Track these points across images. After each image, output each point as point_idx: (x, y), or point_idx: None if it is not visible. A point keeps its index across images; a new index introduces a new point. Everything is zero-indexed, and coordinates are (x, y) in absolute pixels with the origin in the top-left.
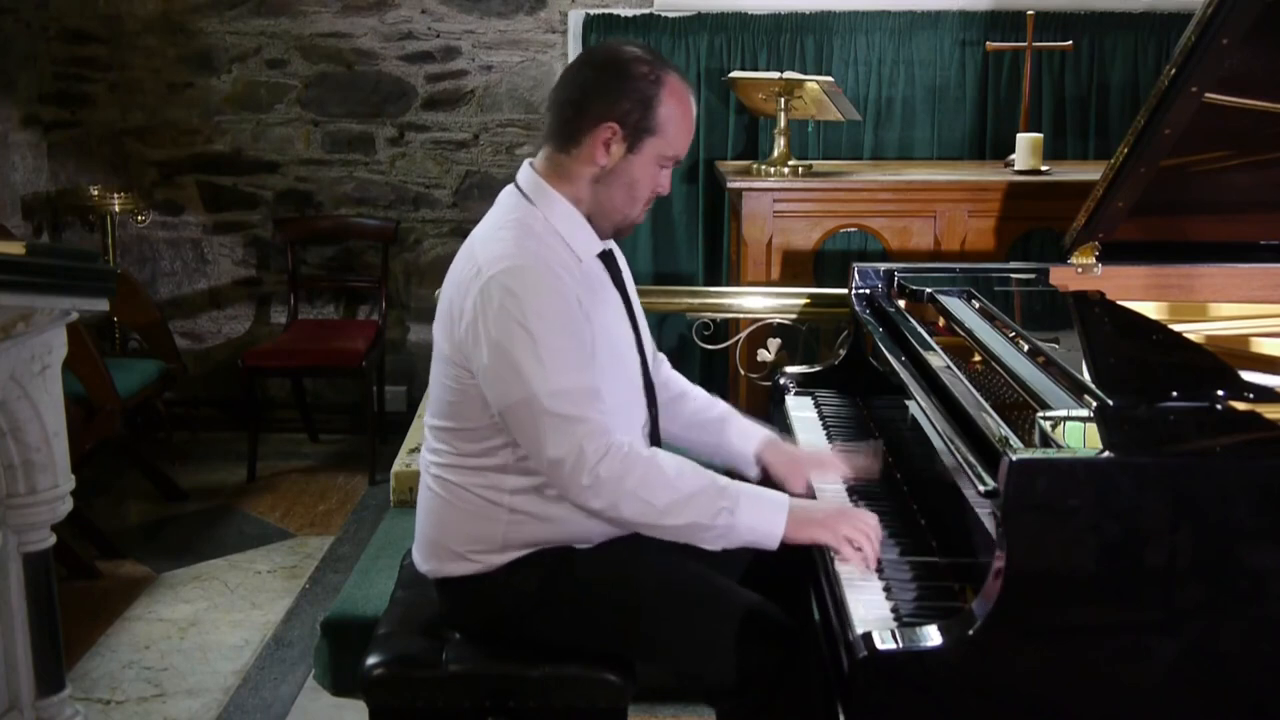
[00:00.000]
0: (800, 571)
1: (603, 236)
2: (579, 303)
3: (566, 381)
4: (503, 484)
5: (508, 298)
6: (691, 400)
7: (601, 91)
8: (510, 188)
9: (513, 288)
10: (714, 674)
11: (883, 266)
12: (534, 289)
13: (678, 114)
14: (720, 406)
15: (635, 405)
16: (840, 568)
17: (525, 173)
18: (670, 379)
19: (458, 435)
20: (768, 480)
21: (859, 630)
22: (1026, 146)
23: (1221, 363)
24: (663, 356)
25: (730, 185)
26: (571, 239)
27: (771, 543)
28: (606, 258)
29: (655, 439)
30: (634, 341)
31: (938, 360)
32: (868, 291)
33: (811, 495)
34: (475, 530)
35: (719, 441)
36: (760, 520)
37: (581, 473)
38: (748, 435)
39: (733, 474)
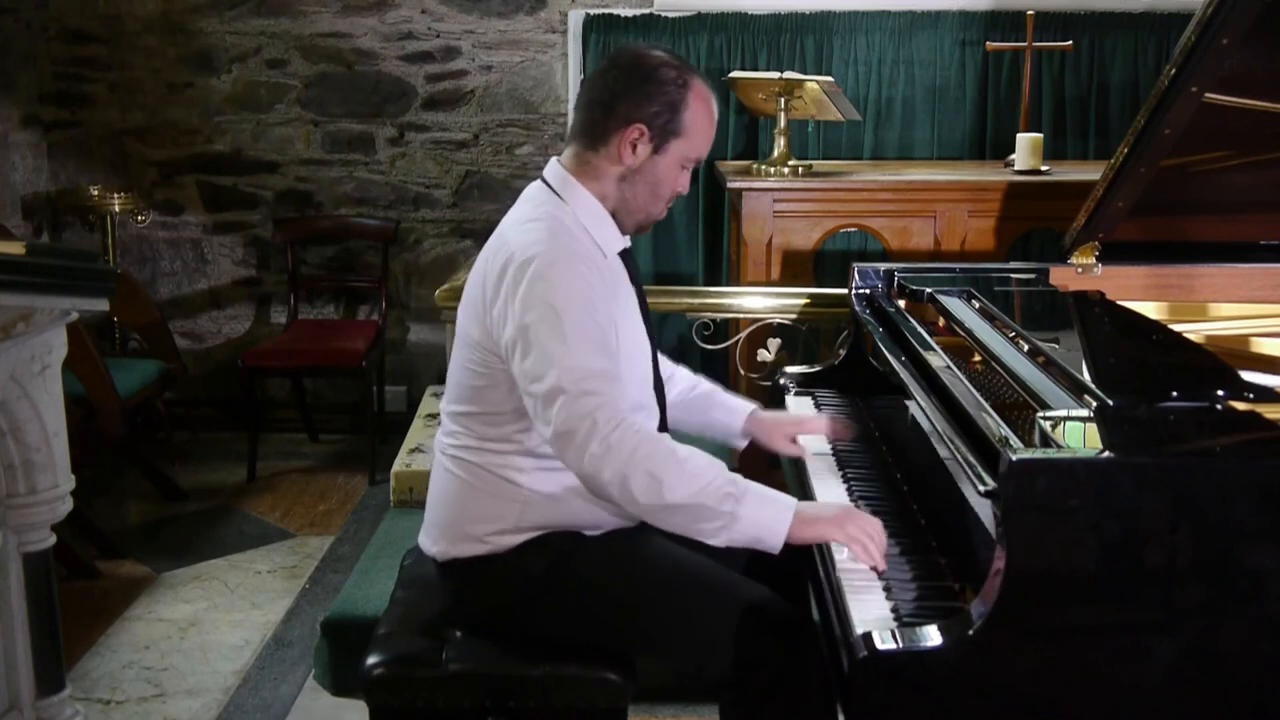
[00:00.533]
0: (801, 568)
1: (625, 232)
2: (603, 299)
3: (587, 361)
4: (522, 465)
5: (537, 280)
6: (679, 380)
7: (630, 94)
8: (538, 183)
9: (543, 271)
10: (716, 664)
11: (883, 266)
12: (564, 274)
13: (702, 118)
14: (704, 385)
15: (647, 404)
16: (843, 567)
17: (553, 169)
18: (660, 361)
19: (480, 420)
20: (754, 454)
21: (859, 630)
22: (1026, 146)
23: (1221, 363)
24: None
25: (730, 185)
26: (598, 235)
27: (775, 541)
28: (625, 256)
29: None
30: (647, 341)
31: (938, 360)
32: (868, 291)
33: (795, 488)
34: (491, 510)
35: (706, 419)
36: (766, 516)
37: (593, 440)
38: (732, 409)
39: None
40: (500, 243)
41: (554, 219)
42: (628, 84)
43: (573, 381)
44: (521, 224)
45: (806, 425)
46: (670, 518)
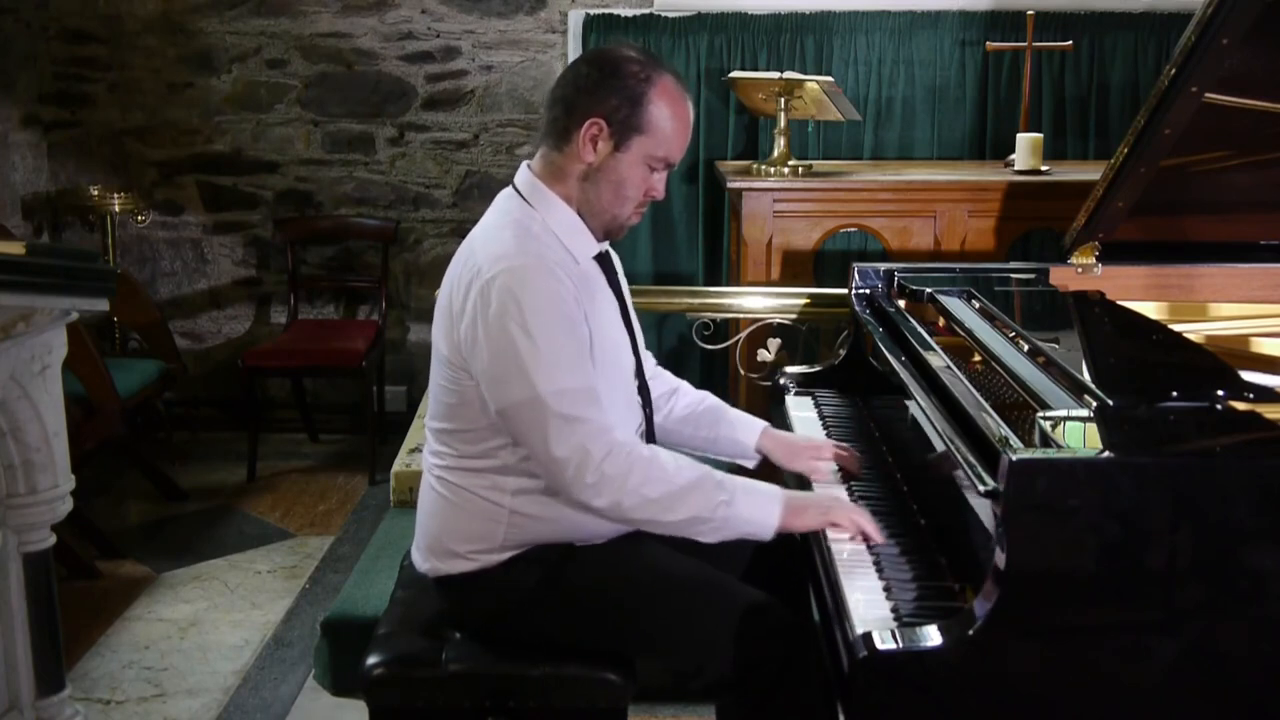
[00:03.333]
0: (801, 570)
1: (597, 237)
2: (577, 304)
3: (567, 381)
4: (504, 485)
5: (508, 299)
6: (684, 396)
7: (591, 88)
8: (508, 190)
9: (512, 288)
10: (714, 668)
11: (883, 266)
12: (533, 289)
13: (669, 115)
14: (710, 400)
15: (631, 407)
16: (833, 544)
17: (523, 174)
18: (660, 375)
19: (458, 437)
20: (765, 467)
21: (859, 630)
22: (1026, 146)
23: (1221, 363)
24: (649, 354)
25: (730, 185)
26: (569, 241)
27: (766, 533)
28: (603, 260)
29: (650, 441)
30: (629, 344)
31: (938, 360)
32: (868, 291)
33: (806, 484)
34: (476, 530)
35: (715, 435)
36: (756, 511)
37: (586, 471)
38: (742, 426)
39: (735, 469)
40: (468, 254)
41: (521, 226)
42: (590, 79)
43: (558, 406)
44: (489, 233)
45: (825, 453)
46: (665, 529)
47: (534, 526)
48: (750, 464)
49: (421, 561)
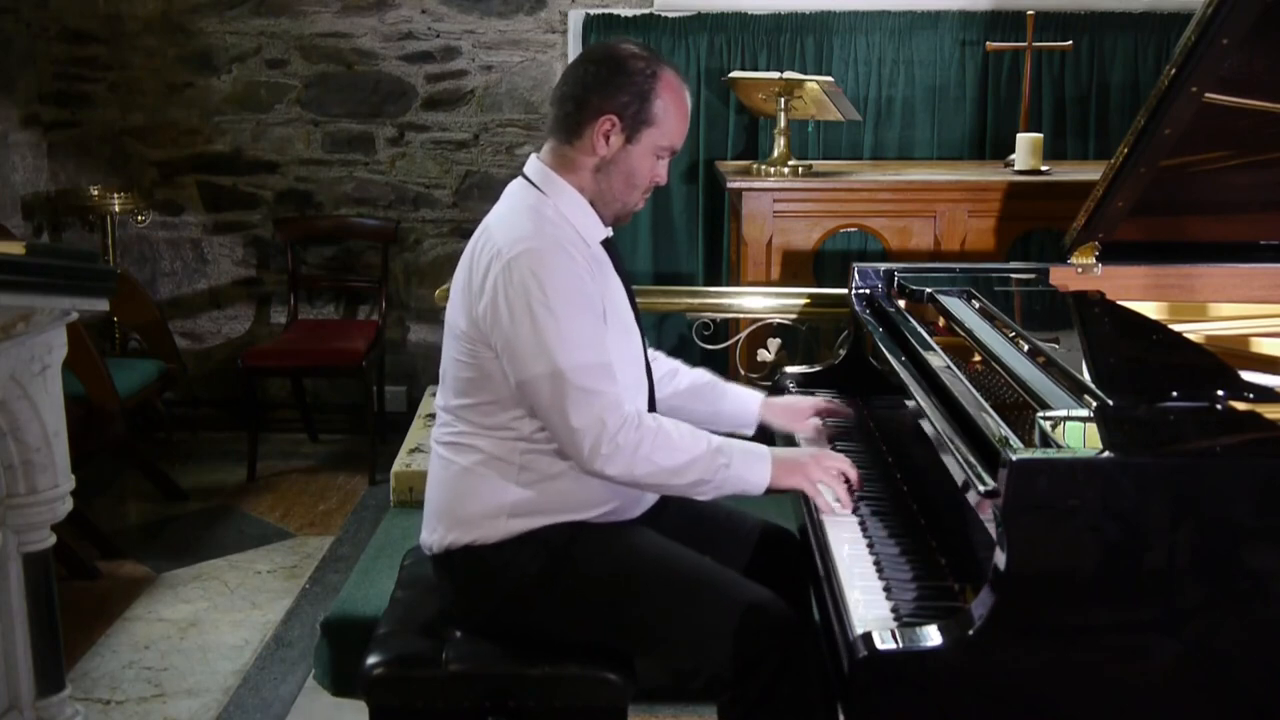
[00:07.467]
0: (801, 568)
1: (605, 223)
2: (593, 282)
3: (586, 356)
4: (515, 446)
5: (529, 278)
6: (684, 374)
7: (601, 86)
8: (519, 179)
9: (533, 268)
10: (713, 664)
11: (883, 266)
12: (553, 268)
13: (673, 107)
14: (708, 375)
15: (639, 382)
16: (833, 543)
17: (533, 164)
18: (658, 358)
19: (475, 410)
20: (761, 436)
21: (859, 630)
22: (1026, 146)
23: (1221, 363)
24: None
25: (730, 185)
26: (580, 225)
27: (758, 490)
28: (609, 245)
29: (651, 411)
30: (635, 323)
31: (938, 360)
32: (868, 291)
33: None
34: (485, 490)
35: (716, 408)
36: (749, 472)
37: (603, 442)
38: (741, 399)
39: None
40: (486, 238)
41: (536, 211)
42: (598, 76)
43: (577, 380)
44: (506, 217)
45: (821, 409)
46: (669, 490)
47: (542, 485)
48: (748, 432)
49: (429, 535)
